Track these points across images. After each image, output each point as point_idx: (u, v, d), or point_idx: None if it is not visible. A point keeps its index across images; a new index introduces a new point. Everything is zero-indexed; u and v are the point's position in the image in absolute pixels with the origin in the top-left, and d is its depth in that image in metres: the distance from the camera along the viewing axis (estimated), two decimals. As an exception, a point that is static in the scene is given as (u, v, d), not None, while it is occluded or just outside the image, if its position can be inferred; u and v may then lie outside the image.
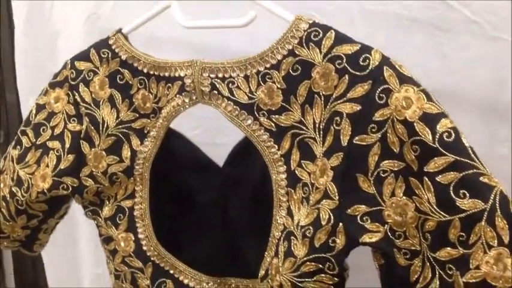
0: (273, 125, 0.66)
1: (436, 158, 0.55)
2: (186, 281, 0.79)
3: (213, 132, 1.12)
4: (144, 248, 0.79)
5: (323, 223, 0.62)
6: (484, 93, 0.91)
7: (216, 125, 1.04)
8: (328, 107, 0.62)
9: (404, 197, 0.59)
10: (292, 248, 0.64)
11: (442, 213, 0.56)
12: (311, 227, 0.63)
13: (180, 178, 0.82)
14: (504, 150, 0.88)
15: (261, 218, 0.74)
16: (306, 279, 0.63)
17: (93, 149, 0.77)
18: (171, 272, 0.79)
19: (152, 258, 0.79)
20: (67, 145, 0.78)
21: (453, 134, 0.55)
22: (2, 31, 1.39)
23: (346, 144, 0.60)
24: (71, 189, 0.78)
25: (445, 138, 0.55)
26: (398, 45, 0.92)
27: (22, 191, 0.80)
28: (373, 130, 0.59)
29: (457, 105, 0.91)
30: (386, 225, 0.60)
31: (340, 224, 0.61)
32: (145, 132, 0.76)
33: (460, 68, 0.91)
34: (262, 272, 0.70)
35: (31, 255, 0.96)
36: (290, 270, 0.64)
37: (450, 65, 0.91)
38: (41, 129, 0.80)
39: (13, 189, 0.82)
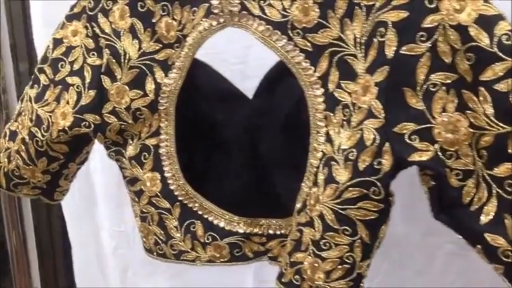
0: (308, 44, 0.62)
1: (493, 65, 0.51)
2: (215, 222, 0.75)
3: (239, 76, 1.07)
4: (171, 187, 0.75)
5: (367, 144, 0.57)
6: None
7: (241, 68, 1.00)
8: (370, 18, 0.57)
9: (456, 113, 0.54)
10: (334, 174, 0.60)
11: (500, 124, 0.51)
12: (354, 150, 0.58)
13: (206, 112, 0.77)
14: None
15: (295, 150, 0.70)
16: (349, 206, 0.59)
17: (115, 84, 0.73)
18: (200, 212, 0.75)
19: (180, 198, 0.75)
20: (87, 80, 0.74)
21: None
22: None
23: (392, 56, 0.55)
24: (93, 126, 0.74)
25: (504, 42, 0.50)
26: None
27: (42, 131, 0.76)
28: (422, 39, 0.54)
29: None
30: (436, 144, 0.55)
31: (387, 143, 0.56)
32: (170, 63, 0.71)
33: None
34: (298, 205, 0.66)
35: (51, 204, 0.92)
36: (331, 197, 0.60)
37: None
38: (59, 65, 0.76)
39: (32, 129, 0.78)
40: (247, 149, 0.76)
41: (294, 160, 0.71)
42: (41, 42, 1.21)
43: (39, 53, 1.22)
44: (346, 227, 0.60)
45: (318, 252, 0.62)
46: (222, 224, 0.75)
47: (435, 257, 1.01)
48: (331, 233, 0.61)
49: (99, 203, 1.33)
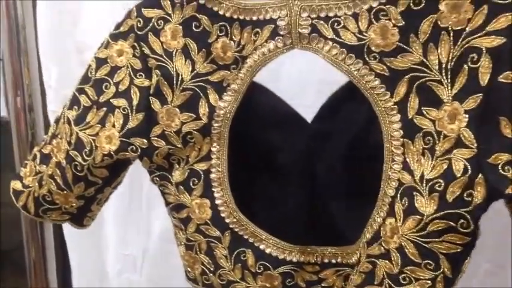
0: (385, 68, 0.59)
1: None
2: (267, 250, 0.72)
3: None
4: (222, 214, 0.71)
5: (457, 175, 0.55)
6: None
7: (273, 87, 0.97)
8: (459, 43, 0.55)
9: None
10: (416, 205, 0.57)
11: None
12: (441, 180, 0.56)
13: (261, 136, 0.74)
14: None
15: (358, 177, 0.68)
16: (434, 239, 0.57)
17: (165, 106, 0.70)
18: (251, 240, 0.72)
19: (231, 226, 0.71)
20: (134, 102, 0.70)
21: None
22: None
23: (486, 83, 0.53)
24: (140, 151, 0.71)
25: None
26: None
27: (84, 155, 0.72)
28: None
29: None
30: None
31: (480, 174, 0.54)
32: (225, 85, 0.68)
33: None
34: (368, 236, 0.63)
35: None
36: (413, 230, 0.57)
37: None
38: (104, 86, 0.72)
39: (71, 153, 0.73)
40: (303, 175, 0.73)
41: (355, 188, 0.68)
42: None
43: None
44: (429, 261, 0.58)
45: (395, 287, 0.60)
46: (274, 253, 0.72)
47: (474, 275, 1.01)
48: (412, 267, 0.58)
49: (105, 224, 1.29)
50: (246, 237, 0.72)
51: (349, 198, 0.69)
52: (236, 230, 0.72)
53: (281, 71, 0.99)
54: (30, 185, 0.79)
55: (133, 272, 1.28)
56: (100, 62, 0.73)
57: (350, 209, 0.68)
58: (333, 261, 0.72)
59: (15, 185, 0.81)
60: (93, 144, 0.71)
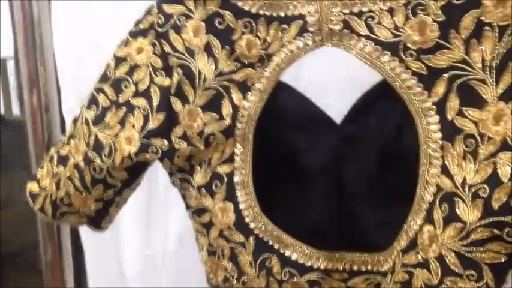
0: (423, 67, 0.56)
1: None
2: (293, 257, 0.68)
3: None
4: (246, 219, 0.68)
5: (503, 179, 0.51)
6: None
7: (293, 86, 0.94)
8: (504, 39, 0.52)
9: None
10: (458, 212, 0.54)
11: None
12: (486, 186, 0.52)
13: (286, 137, 0.70)
14: None
15: (390, 181, 0.64)
16: (477, 249, 0.53)
17: (186, 106, 0.66)
18: (276, 246, 0.69)
19: (255, 231, 0.68)
20: (155, 102, 0.67)
21: None
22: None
23: None
24: (160, 152, 0.68)
25: None
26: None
27: (102, 157, 0.69)
28: None
29: None
30: None
31: None
32: (249, 84, 0.65)
33: None
34: (403, 243, 0.60)
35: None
36: (455, 238, 0.54)
37: None
38: (122, 85, 0.69)
39: (89, 154, 0.70)
40: (330, 178, 0.69)
41: (386, 192, 0.65)
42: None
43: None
44: (472, 271, 0.54)
45: None
46: (300, 260, 0.68)
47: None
48: (453, 278, 0.55)
49: (122, 225, 1.27)
50: (271, 243, 0.69)
51: (379, 202, 0.66)
52: (261, 235, 0.68)
53: (301, 69, 0.96)
54: (47, 187, 0.76)
55: (154, 272, 1.26)
56: (119, 60, 0.70)
57: (381, 214, 0.65)
58: (363, 268, 0.68)
59: (32, 187, 0.78)
60: (113, 146, 0.69)
